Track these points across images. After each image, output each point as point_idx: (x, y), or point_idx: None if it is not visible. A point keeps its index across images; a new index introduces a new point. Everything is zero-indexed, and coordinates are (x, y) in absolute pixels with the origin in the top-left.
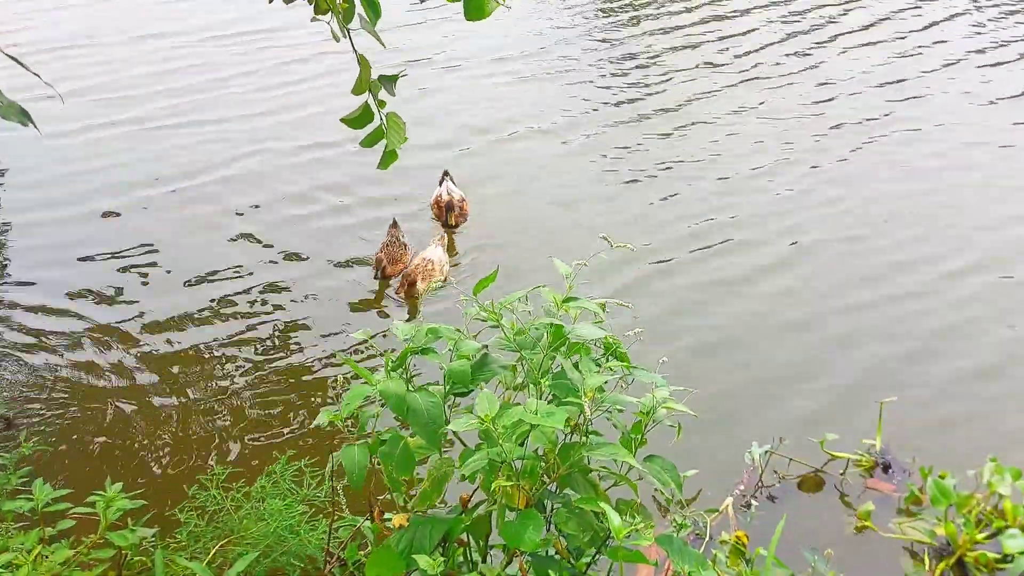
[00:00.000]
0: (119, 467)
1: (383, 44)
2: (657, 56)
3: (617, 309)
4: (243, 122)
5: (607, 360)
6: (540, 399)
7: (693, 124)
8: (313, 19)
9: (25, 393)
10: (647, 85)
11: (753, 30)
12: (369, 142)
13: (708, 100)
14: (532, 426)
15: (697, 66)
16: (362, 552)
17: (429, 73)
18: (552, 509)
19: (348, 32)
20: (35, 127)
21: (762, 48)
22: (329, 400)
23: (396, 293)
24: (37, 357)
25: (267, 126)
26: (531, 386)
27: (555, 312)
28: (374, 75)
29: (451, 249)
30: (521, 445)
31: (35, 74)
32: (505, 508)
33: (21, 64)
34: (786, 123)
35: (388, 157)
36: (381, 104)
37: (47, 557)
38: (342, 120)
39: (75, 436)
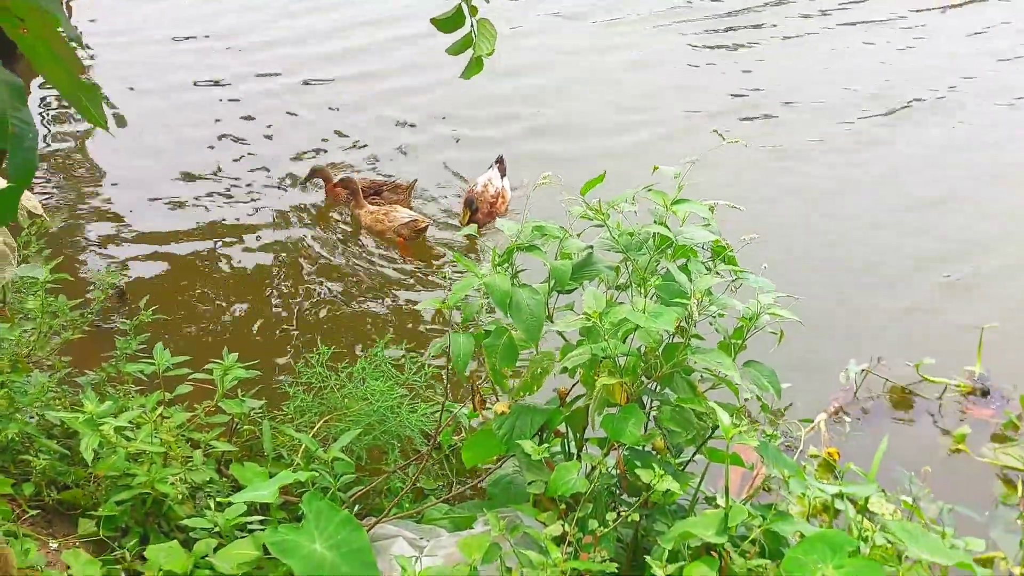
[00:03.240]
0: (228, 340)
1: None
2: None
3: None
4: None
5: (715, 264)
6: (645, 299)
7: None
8: None
9: (138, 267)
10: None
11: None
12: (456, 49)
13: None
14: (638, 326)
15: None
16: (456, 437)
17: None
18: (651, 406)
19: None
20: None
21: None
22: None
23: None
24: (152, 235)
25: None
26: (634, 286)
27: (663, 214)
28: None
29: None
30: (623, 342)
31: None
32: (605, 402)
33: None
34: None
35: (473, 65)
36: (474, 11)
37: (166, 419)
38: (432, 20)
39: (185, 311)
